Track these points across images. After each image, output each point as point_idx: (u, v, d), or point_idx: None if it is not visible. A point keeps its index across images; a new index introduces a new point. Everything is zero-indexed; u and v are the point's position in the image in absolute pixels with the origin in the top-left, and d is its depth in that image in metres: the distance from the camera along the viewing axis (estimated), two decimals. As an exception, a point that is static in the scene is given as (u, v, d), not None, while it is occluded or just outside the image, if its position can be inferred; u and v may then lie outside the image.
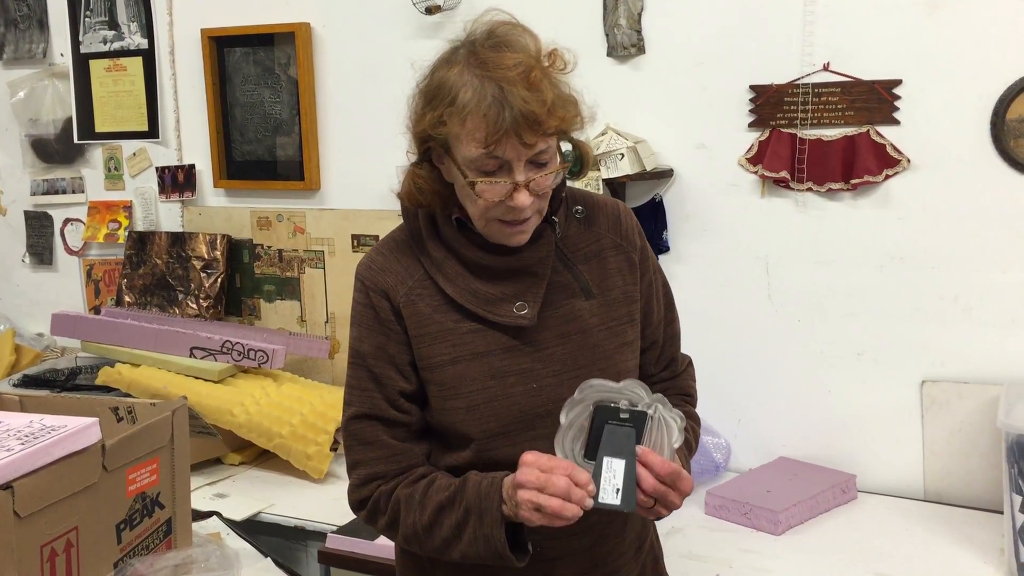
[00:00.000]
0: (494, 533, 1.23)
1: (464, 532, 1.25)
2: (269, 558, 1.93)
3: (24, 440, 1.24)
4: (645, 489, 1.18)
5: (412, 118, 1.30)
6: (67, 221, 3.32)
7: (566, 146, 1.38)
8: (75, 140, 3.22)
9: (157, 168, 3.12)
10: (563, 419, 1.20)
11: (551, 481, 1.15)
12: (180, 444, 1.47)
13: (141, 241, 3.11)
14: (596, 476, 1.16)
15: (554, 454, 1.20)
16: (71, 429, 1.28)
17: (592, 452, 1.18)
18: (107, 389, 2.53)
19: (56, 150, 3.29)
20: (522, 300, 1.31)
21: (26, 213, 3.38)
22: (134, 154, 3.17)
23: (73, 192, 3.29)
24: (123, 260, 3.13)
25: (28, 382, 2.63)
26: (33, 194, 3.35)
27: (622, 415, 1.17)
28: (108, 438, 1.32)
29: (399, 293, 1.33)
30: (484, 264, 1.32)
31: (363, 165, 2.78)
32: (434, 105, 1.24)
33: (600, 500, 1.15)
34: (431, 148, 1.29)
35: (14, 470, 1.18)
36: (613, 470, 1.15)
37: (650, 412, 1.19)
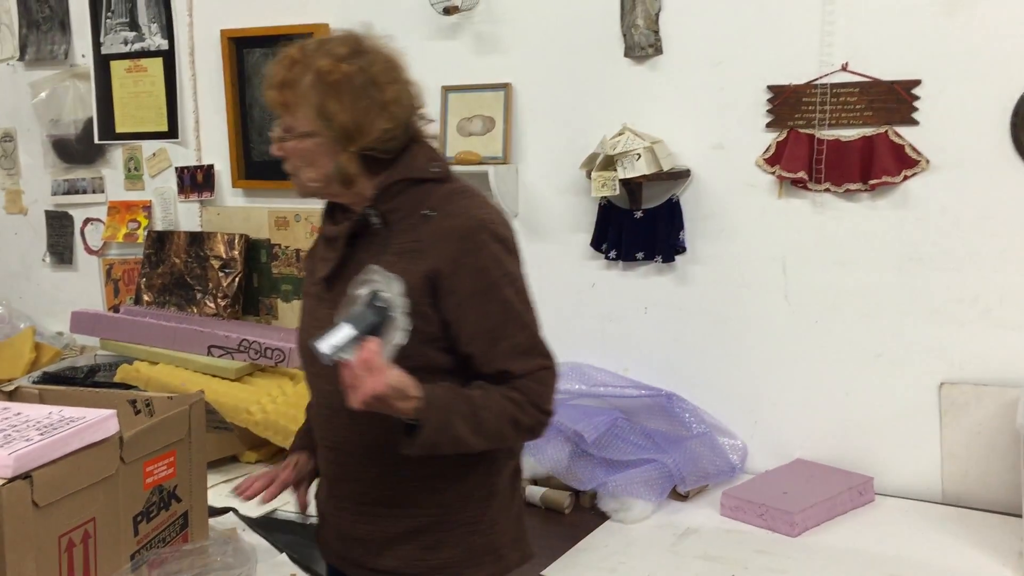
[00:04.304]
0: None
1: None
2: (284, 554, 1.93)
3: (43, 431, 1.25)
4: (347, 362, 1.41)
5: None
6: (87, 221, 3.35)
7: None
8: (96, 140, 3.25)
9: (176, 168, 3.14)
10: (355, 293, 1.46)
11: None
12: (197, 438, 1.48)
13: (160, 240, 3.13)
14: (328, 330, 1.43)
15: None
16: (89, 421, 1.29)
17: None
18: (125, 386, 2.54)
19: (77, 150, 3.32)
20: (325, 261, 1.60)
21: (47, 213, 3.41)
22: (154, 154, 3.19)
23: (93, 192, 3.32)
24: (142, 259, 3.16)
25: (48, 379, 2.65)
26: (54, 194, 3.38)
27: (378, 303, 1.43)
28: (126, 430, 1.32)
29: None
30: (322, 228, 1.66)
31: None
32: None
33: (313, 342, 1.41)
34: None
35: (33, 460, 1.20)
36: (341, 332, 1.41)
37: (389, 311, 1.44)
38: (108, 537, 1.31)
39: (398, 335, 1.44)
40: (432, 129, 1.66)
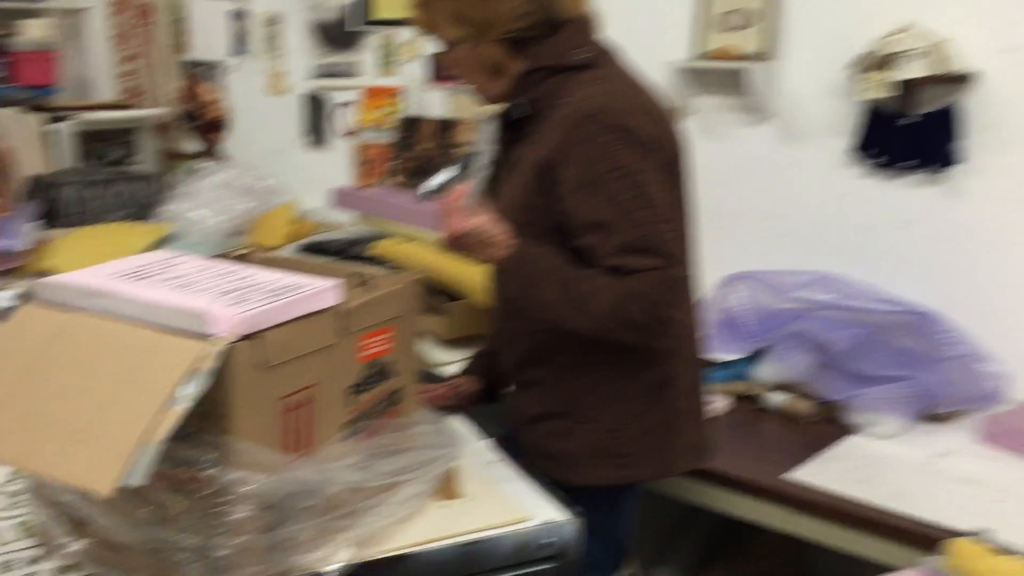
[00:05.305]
0: None
1: None
2: (487, 440, 1.94)
3: (271, 295, 1.26)
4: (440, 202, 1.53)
5: None
6: (342, 104, 3.51)
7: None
8: (354, 26, 3.37)
9: (428, 56, 3.22)
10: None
11: None
12: (412, 316, 1.46)
13: (411, 125, 3.24)
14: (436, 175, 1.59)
15: None
16: (313, 289, 1.28)
17: None
18: (381, 261, 2.67)
19: (336, 36, 3.46)
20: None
21: (305, 95, 3.60)
22: (407, 41, 3.28)
23: (349, 76, 3.47)
24: (392, 143, 3.28)
25: (307, 250, 2.84)
26: (313, 77, 3.55)
27: (473, 150, 1.55)
28: (348, 302, 1.32)
29: None
30: None
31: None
32: None
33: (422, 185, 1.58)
34: None
35: (260, 321, 1.20)
36: (438, 177, 1.56)
37: (476, 162, 1.56)
38: (325, 405, 1.32)
39: (477, 182, 1.51)
40: (589, 8, 1.59)
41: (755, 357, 2.36)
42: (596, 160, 1.45)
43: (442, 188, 1.57)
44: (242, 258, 1.57)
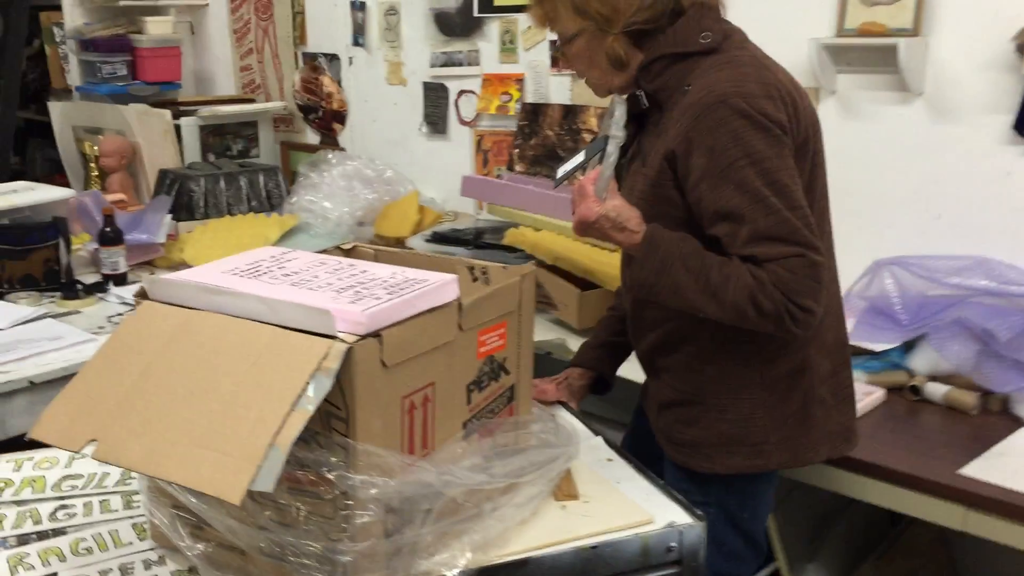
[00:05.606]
0: None
1: None
2: (600, 437, 1.86)
3: (390, 290, 1.22)
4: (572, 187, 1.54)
5: None
6: (461, 92, 3.49)
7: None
8: (475, 13, 3.35)
9: (550, 42, 3.17)
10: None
11: None
12: (527, 311, 1.43)
13: (534, 112, 3.21)
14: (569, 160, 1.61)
15: None
16: (433, 284, 1.25)
17: None
18: (512, 249, 2.65)
19: (456, 24, 3.44)
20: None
21: (424, 84, 3.59)
22: (529, 28, 3.24)
23: (469, 64, 3.45)
24: (515, 131, 3.25)
25: (437, 239, 2.83)
26: (432, 66, 3.55)
27: (605, 134, 1.51)
28: (464, 297, 1.29)
29: None
30: None
31: (764, 36, 2.65)
32: None
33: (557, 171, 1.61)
34: None
35: (383, 318, 1.16)
36: (572, 161, 1.58)
37: (608, 147, 1.50)
38: (445, 403, 1.28)
39: (609, 165, 1.47)
40: None
41: (908, 347, 2.26)
42: (725, 147, 1.41)
43: (575, 173, 1.56)
44: (348, 252, 1.56)
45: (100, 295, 2.70)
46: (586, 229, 1.50)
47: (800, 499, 2.22)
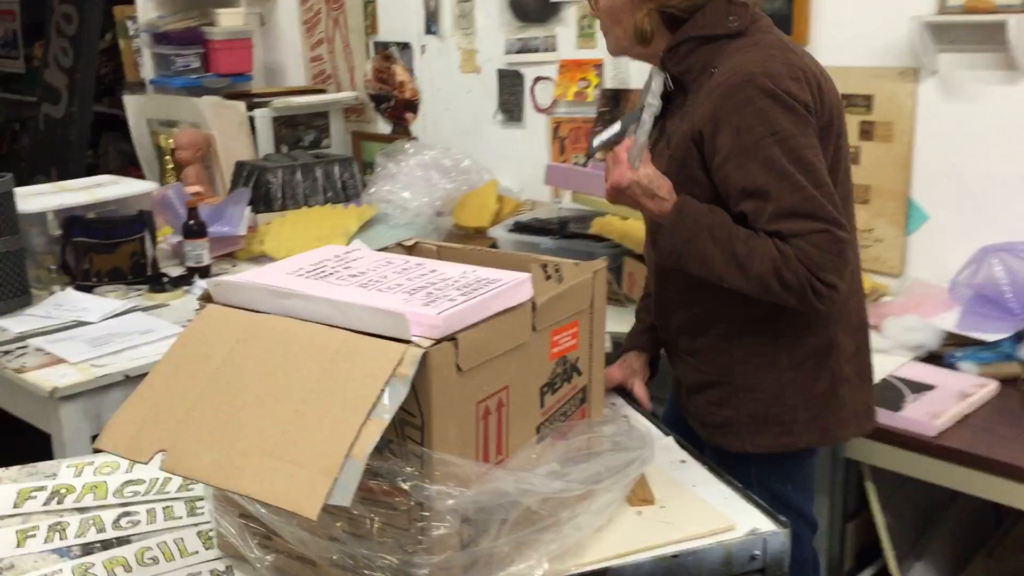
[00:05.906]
0: None
1: None
2: (671, 437, 1.82)
3: (463, 291, 1.16)
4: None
5: None
6: (538, 79, 3.44)
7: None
8: (553, -1, 3.30)
9: (630, 25, 3.10)
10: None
11: None
12: (599, 309, 1.37)
13: (614, 98, 3.14)
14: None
15: None
16: (507, 284, 1.19)
17: None
18: (598, 239, 2.60)
19: (532, 9, 3.39)
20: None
21: (499, 72, 3.54)
22: (607, 11, 3.17)
23: (545, 51, 3.39)
24: (594, 117, 3.19)
25: (520, 228, 2.78)
26: (507, 53, 3.50)
27: (642, 104, 1.53)
28: (537, 296, 1.23)
29: None
30: None
31: (860, 15, 2.56)
32: None
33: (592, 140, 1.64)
34: None
35: (458, 321, 1.11)
36: (609, 130, 1.61)
37: (643, 115, 1.53)
38: (518, 407, 1.23)
39: (643, 133, 1.49)
40: None
41: (1021, 337, 2.17)
42: (751, 126, 1.45)
43: (611, 142, 1.57)
44: (410, 249, 1.51)
45: (186, 288, 2.71)
46: (618, 195, 1.54)
47: (905, 496, 2.15)
